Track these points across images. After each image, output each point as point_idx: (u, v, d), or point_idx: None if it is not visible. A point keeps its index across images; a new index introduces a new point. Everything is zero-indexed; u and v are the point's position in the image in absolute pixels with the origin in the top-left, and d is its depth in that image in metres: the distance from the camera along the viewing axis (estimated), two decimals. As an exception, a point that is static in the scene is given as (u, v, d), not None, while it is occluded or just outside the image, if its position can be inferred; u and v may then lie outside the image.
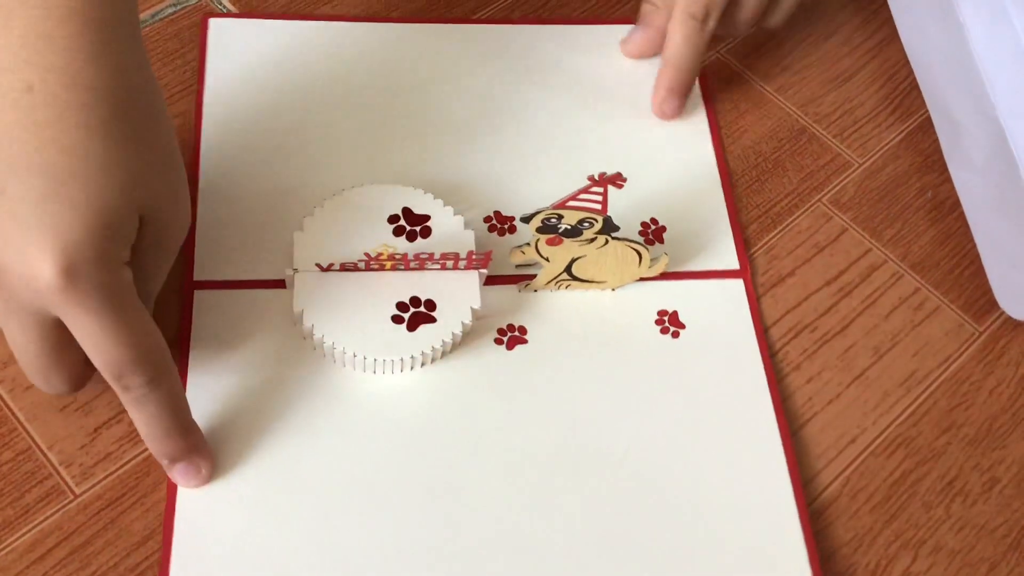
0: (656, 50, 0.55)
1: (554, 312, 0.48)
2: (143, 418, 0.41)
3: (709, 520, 0.43)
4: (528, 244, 0.46)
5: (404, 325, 0.45)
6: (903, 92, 0.56)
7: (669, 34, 0.53)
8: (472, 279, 0.47)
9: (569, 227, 0.44)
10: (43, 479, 0.43)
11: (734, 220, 0.51)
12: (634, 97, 0.55)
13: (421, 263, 0.46)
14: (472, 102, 0.54)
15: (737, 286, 0.49)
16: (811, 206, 0.52)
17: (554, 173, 0.52)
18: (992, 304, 0.49)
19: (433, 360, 0.46)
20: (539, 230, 0.45)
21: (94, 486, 0.43)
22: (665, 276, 0.49)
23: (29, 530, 0.42)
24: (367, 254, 0.45)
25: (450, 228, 0.48)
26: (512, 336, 0.47)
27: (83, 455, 0.44)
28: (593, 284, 0.48)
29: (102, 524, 0.42)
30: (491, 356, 0.47)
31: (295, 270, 0.46)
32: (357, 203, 0.48)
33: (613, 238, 0.45)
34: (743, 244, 0.51)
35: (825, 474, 0.45)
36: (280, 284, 0.47)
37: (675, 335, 0.48)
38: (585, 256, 0.46)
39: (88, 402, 0.45)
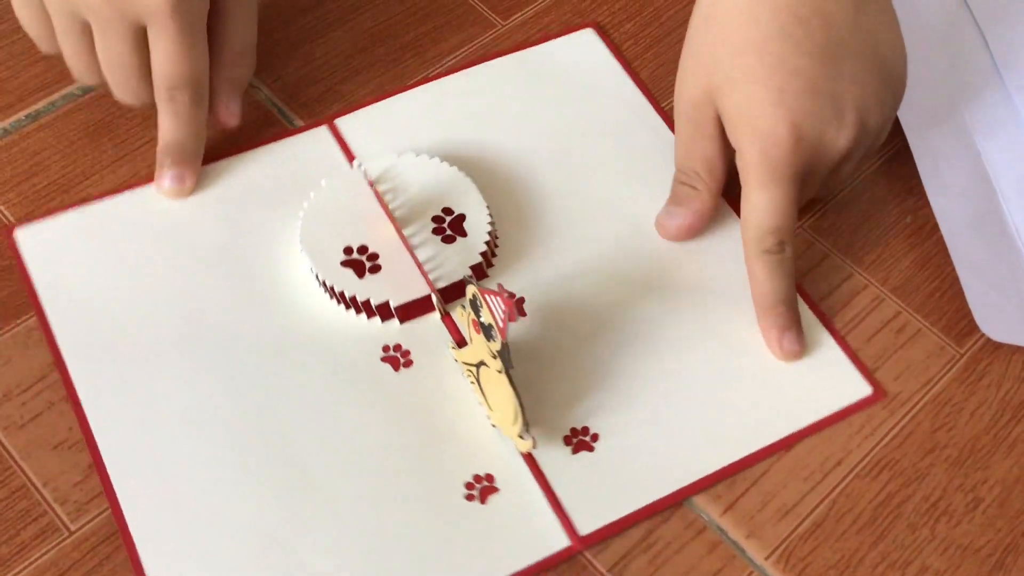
0: (696, 235, 0.51)
1: (446, 376, 0.47)
2: (173, 125, 0.51)
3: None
4: (465, 309, 0.44)
5: (342, 259, 0.49)
6: (881, 119, 0.57)
7: (750, 272, 0.49)
8: (423, 289, 0.48)
9: (484, 324, 0.42)
10: (38, 516, 0.44)
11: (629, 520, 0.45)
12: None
13: (405, 241, 0.49)
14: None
15: (557, 537, 0.44)
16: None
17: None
18: (972, 326, 0.50)
19: (331, 298, 0.49)
20: (471, 303, 0.43)
21: (88, 523, 0.44)
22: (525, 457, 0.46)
23: (24, 568, 0.42)
24: (373, 183, 0.51)
25: (460, 254, 0.49)
26: (394, 356, 0.48)
27: (77, 492, 0.44)
28: (485, 403, 0.46)
29: (97, 560, 0.43)
30: (361, 351, 0.48)
31: (360, 164, 0.52)
32: (453, 180, 0.52)
33: (507, 375, 0.43)
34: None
35: (811, 497, 0.46)
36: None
37: (469, 498, 0.45)
38: (489, 369, 0.44)
39: (82, 439, 0.45)
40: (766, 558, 0.44)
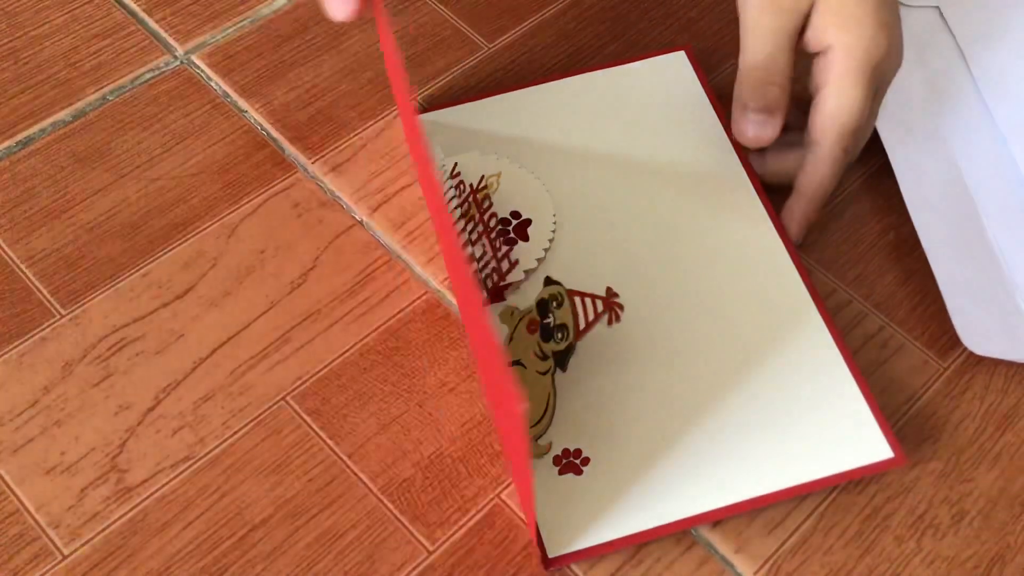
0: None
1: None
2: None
3: None
4: (520, 311, 0.45)
5: None
6: (863, 136, 0.58)
7: (816, 166, 0.51)
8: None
9: (551, 325, 0.42)
10: (31, 541, 0.44)
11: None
12: None
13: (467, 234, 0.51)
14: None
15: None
16: (777, 250, 0.54)
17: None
18: (955, 340, 0.51)
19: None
20: (538, 305, 0.43)
21: (82, 546, 0.44)
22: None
23: (18, 592, 0.43)
24: (473, 187, 0.53)
25: (515, 254, 0.50)
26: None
27: (70, 516, 0.44)
28: None
29: (90, 584, 0.43)
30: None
31: (443, 159, 0.54)
32: (536, 188, 0.53)
33: (552, 377, 0.43)
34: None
35: (799, 511, 0.46)
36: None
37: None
38: (526, 370, 0.44)
39: (74, 463, 0.46)
40: (755, 572, 0.45)
